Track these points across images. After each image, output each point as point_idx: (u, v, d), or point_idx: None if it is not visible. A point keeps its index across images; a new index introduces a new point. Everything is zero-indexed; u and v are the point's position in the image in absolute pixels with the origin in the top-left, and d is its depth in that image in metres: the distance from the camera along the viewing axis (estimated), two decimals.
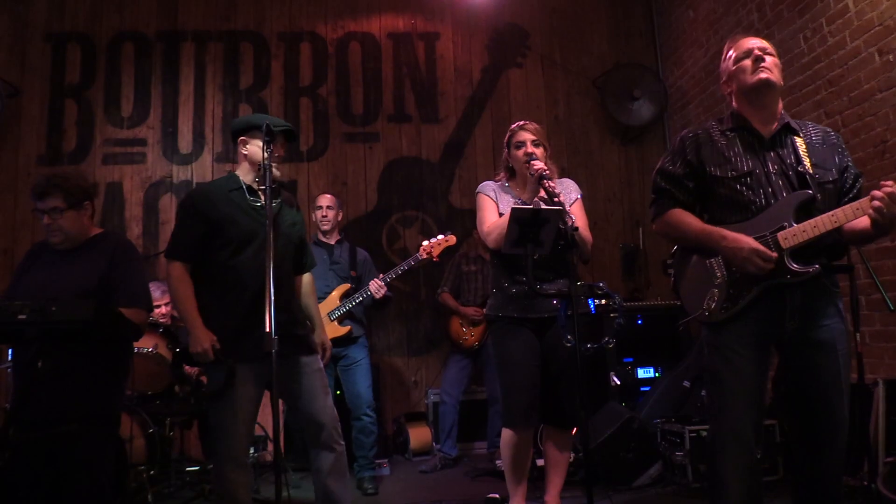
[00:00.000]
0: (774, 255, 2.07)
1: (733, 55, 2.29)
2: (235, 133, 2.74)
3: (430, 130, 5.80)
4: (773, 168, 2.18)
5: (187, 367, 4.50)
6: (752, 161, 2.20)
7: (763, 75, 2.21)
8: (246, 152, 2.70)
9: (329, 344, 2.91)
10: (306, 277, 2.93)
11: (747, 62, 2.24)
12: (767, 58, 2.23)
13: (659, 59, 6.03)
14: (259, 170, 2.59)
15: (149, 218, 5.43)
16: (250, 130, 2.67)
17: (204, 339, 2.47)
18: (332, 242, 4.46)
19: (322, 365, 2.76)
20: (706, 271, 2.23)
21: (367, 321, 4.56)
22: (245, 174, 2.71)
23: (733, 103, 2.32)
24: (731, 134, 2.27)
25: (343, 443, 2.70)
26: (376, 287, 4.18)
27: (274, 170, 2.52)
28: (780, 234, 2.08)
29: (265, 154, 2.45)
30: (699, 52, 5.38)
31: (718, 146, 2.25)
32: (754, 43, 2.26)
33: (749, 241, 2.10)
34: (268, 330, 2.17)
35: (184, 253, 2.60)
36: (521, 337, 2.81)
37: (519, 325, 2.82)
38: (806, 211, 2.10)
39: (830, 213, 2.04)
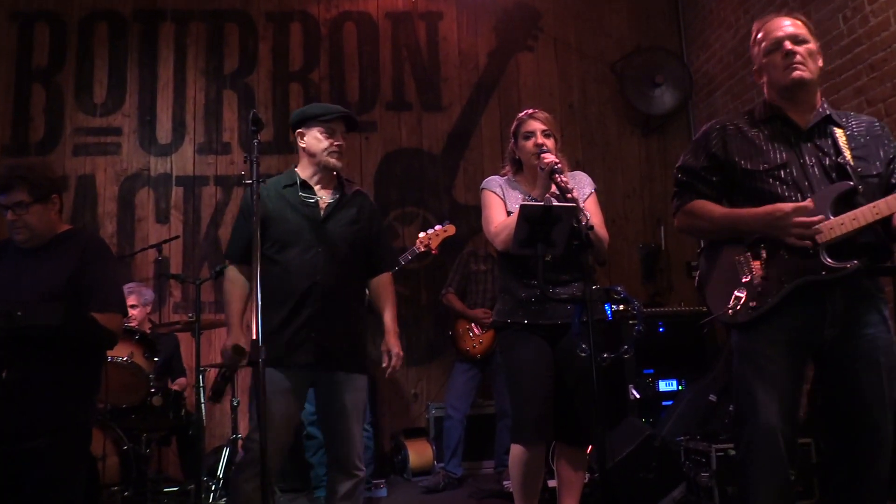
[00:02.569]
0: (812, 205, 2.06)
1: (763, 44, 2.26)
2: (293, 127, 2.85)
3: (431, 119, 5.79)
4: (811, 160, 2.18)
5: (180, 381, 4.50)
6: (787, 153, 2.20)
7: (795, 74, 2.19)
8: (304, 145, 2.81)
9: (395, 350, 2.85)
10: (379, 279, 2.93)
11: (777, 58, 2.22)
12: (800, 48, 2.20)
13: (683, 41, 6.01)
14: (318, 164, 2.77)
15: (124, 214, 5.43)
16: (306, 122, 2.79)
17: (228, 340, 2.62)
18: None
19: (366, 384, 2.80)
20: (734, 269, 2.23)
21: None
22: (304, 169, 2.83)
23: (765, 93, 2.31)
24: (764, 125, 2.27)
25: (364, 469, 2.76)
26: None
27: (334, 161, 2.75)
28: (816, 228, 2.08)
29: (254, 146, 2.47)
30: (728, 34, 5.37)
31: (749, 137, 2.25)
32: (785, 30, 2.22)
33: (779, 205, 2.10)
34: (255, 337, 2.18)
35: (235, 254, 2.76)
36: (531, 345, 2.80)
37: (530, 333, 2.81)
38: (846, 204, 2.10)
39: (872, 204, 2.04)
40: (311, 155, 2.79)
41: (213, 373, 4.33)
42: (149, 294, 4.64)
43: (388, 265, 2.98)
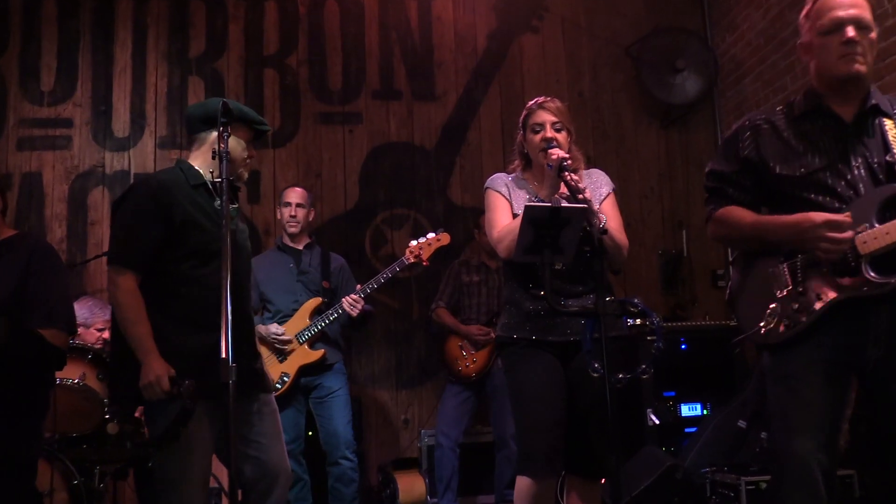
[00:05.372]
0: (848, 218, 2.07)
1: (820, 20, 2.20)
2: (214, 119, 2.75)
3: (424, 110, 5.80)
4: (856, 161, 2.18)
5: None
6: (828, 153, 2.20)
7: (854, 68, 2.16)
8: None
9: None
10: None
11: (834, 42, 2.17)
12: (863, 37, 2.15)
13: (707, 21, 6.03)
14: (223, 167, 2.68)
15: (75, 217, 5.41)
16: (234, 120, 2.75)
17: (159, 368, 2.47)
18: (301, 247, 4.46)
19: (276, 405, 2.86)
20: (769, 282, 2.24)
21: (345, 344, 4.55)
22: (207, 170, 2.77)
23: (811, 74, 2.30)
24: (803, 120, 2.26)
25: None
26: (350, 304, 4.17)
27: (245, 174, 2.80)
28: (859, 237, 2.09)
29: (222, 141, 2.47)
30: (757, 14, 5.39)
31: (785, 137, 2.26)
32: (849, 12, 2.16)
33: (811, 215, 2.11)
34: (224, 356, 2.18)
35: (138, 261, 2.60)
36: (541, 364, 2.80)
37: (538, 350, 2.81)
38: (894, 210, 2.09)
39: None
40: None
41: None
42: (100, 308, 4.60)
43: None
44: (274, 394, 2.92)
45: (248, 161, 2.82)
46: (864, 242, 2.08)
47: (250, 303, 2.93)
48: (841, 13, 2.17)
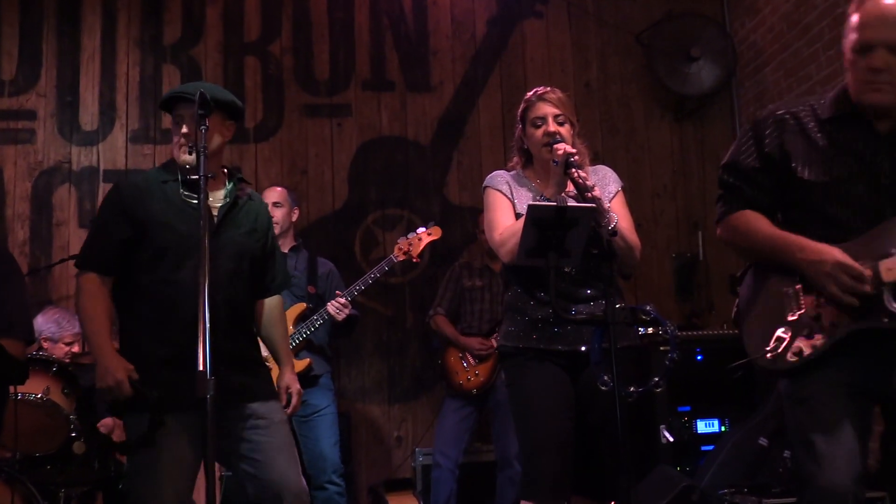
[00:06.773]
0: (868, 272, 2.06)
1: (852, 36, 2.14)
2: (164, 106, 2.82)
3: (418, 102, 5.80)
4: (885, 177, 2.17)
5: (105, 422, 4.45)
6: (856, 164, 2.18)
7: (873, 98, 2.12)
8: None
9: (296, 388, 2.97)
10: (272, 301, 3.03)
11: (860, 64, 2.12)
12: (893, 63, 2.08)
13: (725, 6, 6.04)
14: (190, 154, 2.65)
15: (38, 217, 5.39)
16: (165, 110, 2.80)
17: (116, 368, 2.48)
18: (285, 251, 4.45)
19: (284, 415, 2.83)
20: (780, 303, 2.22)
21: (332, 354, 4.54)
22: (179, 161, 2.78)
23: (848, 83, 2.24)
24: (832, 124, 2.24)
25: None
26: (335, 308, 4.17)
27: (177, 154, 2.68)
28: (884, 264, 2.07)
29: (200, 132, 2.46)
30: None
31: (812, 138, 2.24)
32: (881, 34, 2.08)
33: (833, 253, 2.10)
34: (201, 368, 2.17)
35: (100, 262, 2.66)
36: (547, 377, 2.80)
37: (545, 361, 2.81)
38: None
39: None
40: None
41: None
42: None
43: (282, 285, 3.09)
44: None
45: (176, 144, 2.69)
46: (889, 269, 2.06)
47: (241, 303, 2.84)
48: (871, 34, 2.10)
